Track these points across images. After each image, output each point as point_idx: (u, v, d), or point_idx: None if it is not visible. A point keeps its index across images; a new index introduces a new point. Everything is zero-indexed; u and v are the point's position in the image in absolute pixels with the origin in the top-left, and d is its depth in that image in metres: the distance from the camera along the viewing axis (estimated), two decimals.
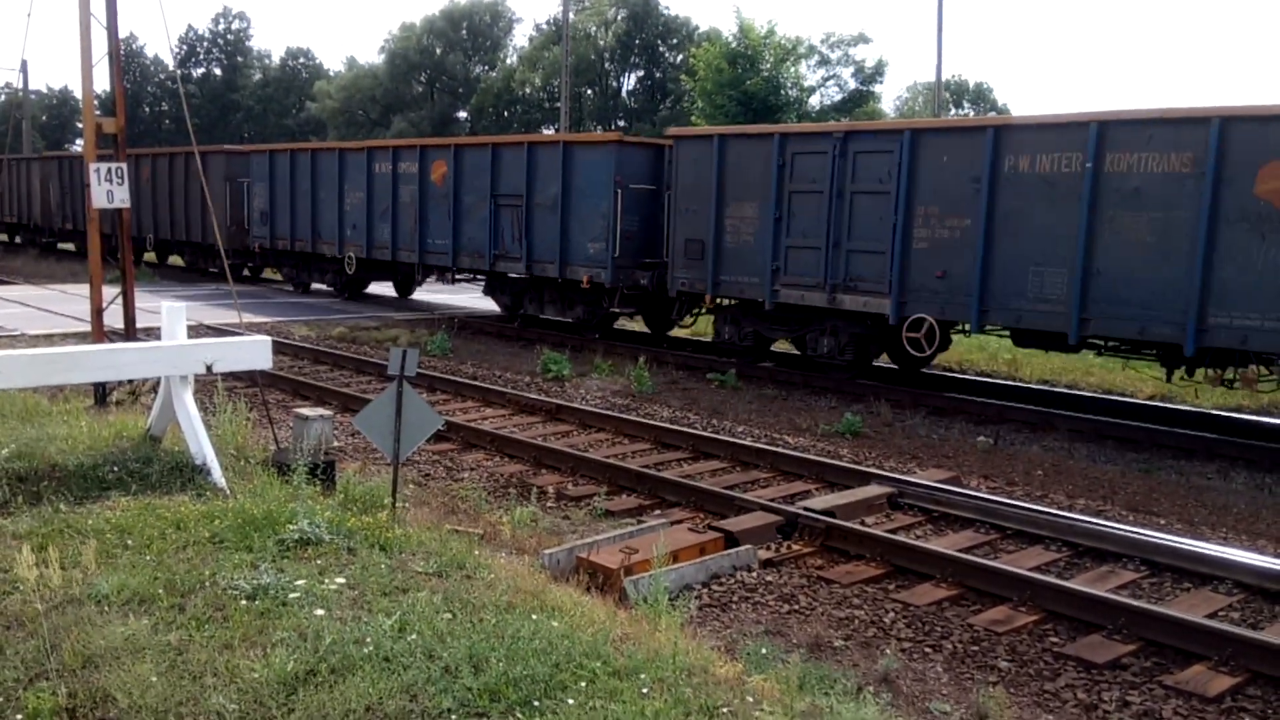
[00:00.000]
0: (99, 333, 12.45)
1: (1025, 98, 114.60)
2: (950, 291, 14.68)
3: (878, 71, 41.61)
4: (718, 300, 17.93)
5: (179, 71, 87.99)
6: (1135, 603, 7.27)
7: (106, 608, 5.65)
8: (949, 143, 14.78)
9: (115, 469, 8.27)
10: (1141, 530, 9.04)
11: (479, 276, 23.77)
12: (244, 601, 5.72)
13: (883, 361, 17.53)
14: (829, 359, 16.57)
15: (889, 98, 77.60)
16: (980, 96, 73.05)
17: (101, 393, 11.52)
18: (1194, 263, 12.36)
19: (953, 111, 66.83)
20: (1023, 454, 12.61)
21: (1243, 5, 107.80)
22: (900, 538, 8.67)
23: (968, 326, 14.82)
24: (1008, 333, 15.20)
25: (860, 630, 7.11)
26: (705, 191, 17.44)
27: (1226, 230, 12.20)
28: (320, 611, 5.61)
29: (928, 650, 6.84)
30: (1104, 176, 13.10)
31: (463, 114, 78.57)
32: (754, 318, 17.61)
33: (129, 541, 6.63)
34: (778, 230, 16.54)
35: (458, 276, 24.61)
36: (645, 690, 4.93)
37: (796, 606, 7.46)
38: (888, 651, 6.70)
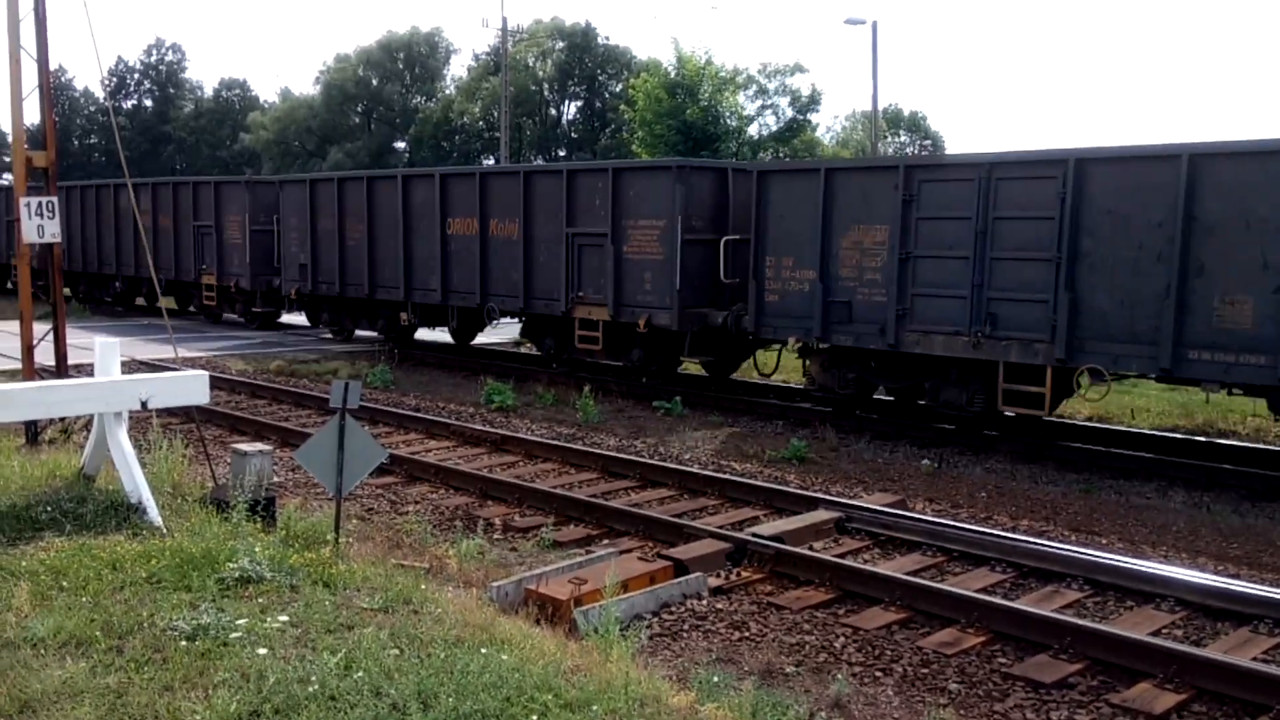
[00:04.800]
0: (29, 370, 12.17)
1: (960, 128, 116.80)
2: None
3: (813, 100, 42.02)
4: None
5: (111, 104, 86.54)
6: (1081, 622, 7.36)
7: (43, 650, 5.47)
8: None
9: (48, 509, 8.04)
10: (1084, 550, 9.16)
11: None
12: (184, 642, 5.57)
13: None
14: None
15: (825, 126, 78.58)
16: (915, 125, 74.37)
17: (33, 431, 11.23)
18: None
19: (889, 139, 68.01)
20: (966, 477, 12.74)
21: (1170, 42, 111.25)
22: (849, 562, 8.70)
23: None
24: None
25: (811, 656, 7.10)
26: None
27: None
28: (263, 651, 5.48)
29: (878, 674, 6.86)
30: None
31: (401, 144, 78.20)
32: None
33: (64, 583, 6.44)
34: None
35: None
36: None
37: (747, 633, 7.44)
38: (839, 676, 6.70)
